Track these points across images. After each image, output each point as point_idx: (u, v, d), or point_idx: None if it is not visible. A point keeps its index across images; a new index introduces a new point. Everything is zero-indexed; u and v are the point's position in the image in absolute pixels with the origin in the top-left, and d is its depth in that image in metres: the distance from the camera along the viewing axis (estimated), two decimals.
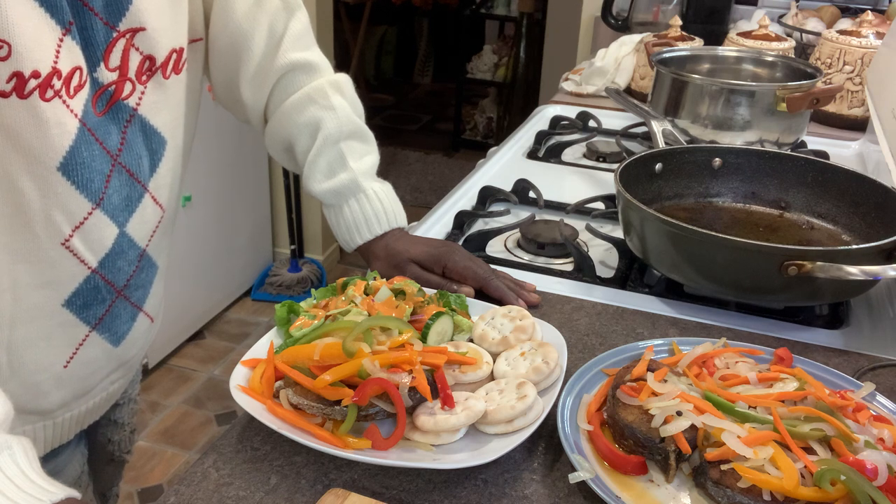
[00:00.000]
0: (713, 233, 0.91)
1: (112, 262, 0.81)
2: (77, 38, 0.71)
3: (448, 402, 0.72)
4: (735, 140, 1.39)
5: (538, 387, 0.75)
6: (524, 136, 1.61)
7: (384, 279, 0.88)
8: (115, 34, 0.74)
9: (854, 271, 0.85)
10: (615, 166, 1.07)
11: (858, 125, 1.62)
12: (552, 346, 0.79)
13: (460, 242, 1.13)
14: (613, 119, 1.71)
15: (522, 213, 1.23)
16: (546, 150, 1.54)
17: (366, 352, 0.72)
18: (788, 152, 1.18)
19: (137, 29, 0.76)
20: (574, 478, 0.67)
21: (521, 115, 3.84)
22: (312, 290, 0.89)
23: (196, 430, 2.46)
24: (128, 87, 0.77)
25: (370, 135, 1.03)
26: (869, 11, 1.66)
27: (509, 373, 0.77)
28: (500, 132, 4.66)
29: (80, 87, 0.71)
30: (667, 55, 1.54)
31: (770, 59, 1.54)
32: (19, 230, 0.73)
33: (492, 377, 0.79)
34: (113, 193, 0.78)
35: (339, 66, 1.18)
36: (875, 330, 0.96)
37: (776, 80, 1.51)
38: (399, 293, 0.86)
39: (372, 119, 3.65)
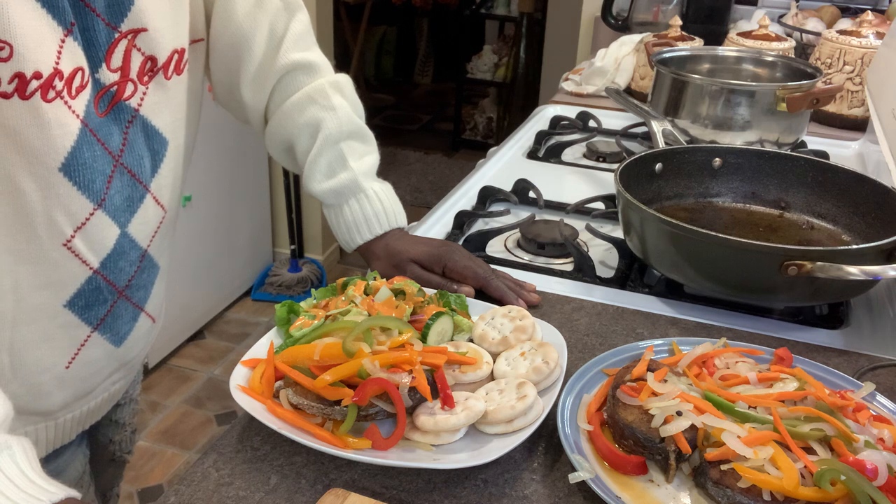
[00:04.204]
0: (713, 233, 0.91)
1: (114, 262, 0.81)
2: (79, 38, 0.71)
3: (448, 402, 0.72)
4: (735, 140, 1.39)
5: (538, 387, 0.75)
6: (524, 136, 1.61)
7: (384, 279, 0.88)
8: (116, 35, 0.74)
9: (854, 271, 0.85)
10: (615, 166, 1.07)
11: (858, 125, 1.62)
12: (552, 346, 0.80)
13: (460, 242, 1.13)
14: (613, 119, 1.71)
15: (522, 213, 1.23)
16: (546, 150, 1.54)
17: (366, 352, 0.72)
18: (788, 152, 1.18)
19: (139, 30, 0.76)
20: (574, 478, 0.67)
21: (521, 115, 3.84)
22: (312, 290, 0.89)
23: (196, 430, 2.46)
24: (129, 87, 0.77)
25: (370, 135, 1.03)
26: (869, 11, 1.66)
27: (509, 373, 0.77)
28: (500, 132, 4.66)
29: (81, 87, 0.71)
30: (667, 55, 1.54)
31: (770, 59, 1.54)
32: (21, 231, 0.73)
33: (492, 377, 0.79)
34: (114, 194, 0.78)
35: (339, 66, 1.18)
36: (875, 330, 0.97)
37: (776, 80, 1.51)
38: (399, 293, 0.86)
39: (372, 119, 3.65)
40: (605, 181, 1.39)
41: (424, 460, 0.69)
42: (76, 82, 0.71)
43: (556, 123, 1.67)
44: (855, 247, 1.01)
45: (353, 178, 0.99)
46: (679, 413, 0.69)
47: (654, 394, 0.72)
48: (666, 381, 0.74)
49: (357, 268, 3.41)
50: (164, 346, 2.73)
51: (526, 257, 1.12)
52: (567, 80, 1.93)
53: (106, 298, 0.83)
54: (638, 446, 0.69)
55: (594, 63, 1.89)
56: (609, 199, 1.25)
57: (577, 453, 0.69)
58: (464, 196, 1.30)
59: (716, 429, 0.67)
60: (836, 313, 0.99)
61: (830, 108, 1.65)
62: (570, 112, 1.74)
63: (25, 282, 0.75)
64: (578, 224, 1.17)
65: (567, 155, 1.52)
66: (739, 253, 0.90)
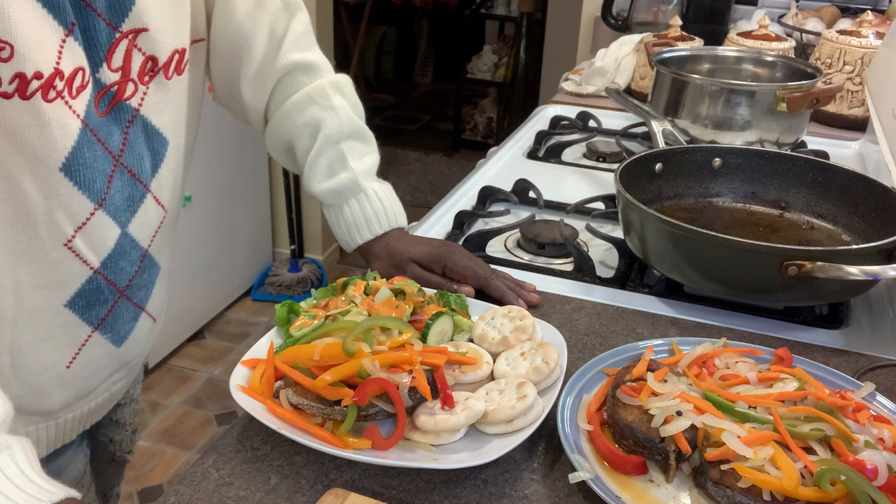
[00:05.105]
0: (713, 233, 0.91)
1: (114, 262, 0.81)
2: (80, 38, 0.71)
3: (448, 402, 0.72)
4: (735, 140, 1.39)
5: (538, 387, 0.76)
6: (524, 136, 1.61)
7: (384, 279, 0.88)
8: (117, 35, 0.74)
9: (854, 271, 0.85)
10: (615, 166, 1.08)
11: (858, 125, 1.62)
12: (552, 346, 0.80)
13: (460, 242, 1.13)
14: (613, 119, 1.71)
15: (522, 213, 1.23)
16: (546, 150, 1.54)
17: (366, 352, 0.72)
18: (788, 152, 1.18)
19: (140, 30, 0.76)
20: (574, 478, 0.67)
21: (521, 115, 3.84)
22: (312, 290, 0.89)
23: (196, 430, 2.46)
24: (130, 87, 0.77)
25: (370, 135, 1.03)
26: (869, 11, 1.66)
27: (509, 373, 0.77)
28: (500, 132, 4.66)
29: (82, 87, 0.72)
30: (667, 55, 1.54)
31: (770, 59, 1.54)
32: (22, 231, 0.73)
33: (492, 377, 0.79)
34: (115, 194, 0.78)
35: (339, 66, 1.18)
36: (875, 330, 0.97)
37: (776, 80, 1.51)
38: (399, 293, 0.86)
39: (372, 119, 3.65)
40: (605, 181, 1.39)
41: (424, 460, 0.69)
42: (77, 82, 0.71)
43: (556, 123, 1.67)
44: (855, 247, 1.01)
45: (354, 178, 0.99)
46: (679, 413, 0.69)
47: (654, 394, 0.72)
48: (666, 381, 0.74)
49: (357, 268, 3.41)
50: (164, 346, 2.73)
51: (526, 257, 1.12)
52: (567, 80, 1.93)
53: (107, 298, 0.83)
54: (638, 446, 0.69)
55: (594, 63, 1.89)
56: (609, 199, 1.25)
57: (577, 453, 0.69)
58: (464, 196, 1.31)
59: (716, 429, 0.67)
60: (836, 313, 0.99)
61: (830, 108, 1.65)
62: (570, 112, 1.74)
63: (26, 282, 0.75)
64: (578, 224, 1.17)
65: (567, 155, 1.52)
66: (739, 253, 0.90)
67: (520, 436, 0.70)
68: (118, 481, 1.15)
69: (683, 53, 1.58)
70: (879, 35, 1.60)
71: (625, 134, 1.60)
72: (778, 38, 1.67)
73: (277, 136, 1.01)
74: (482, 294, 0.94)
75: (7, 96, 0.66)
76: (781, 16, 2.08)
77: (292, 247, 3.25)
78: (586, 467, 0.68)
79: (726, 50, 1.59)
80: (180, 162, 0.88)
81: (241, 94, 0.97)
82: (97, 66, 0.73)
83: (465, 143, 4.80)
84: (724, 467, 0.65)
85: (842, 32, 1.63)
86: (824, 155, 1.45)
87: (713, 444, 0.68)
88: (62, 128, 0.70)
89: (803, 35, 1.94)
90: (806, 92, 1.34)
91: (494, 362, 0.80)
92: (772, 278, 0.89)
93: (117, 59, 0.75)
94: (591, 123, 1.68)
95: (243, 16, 0.91)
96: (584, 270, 1.06)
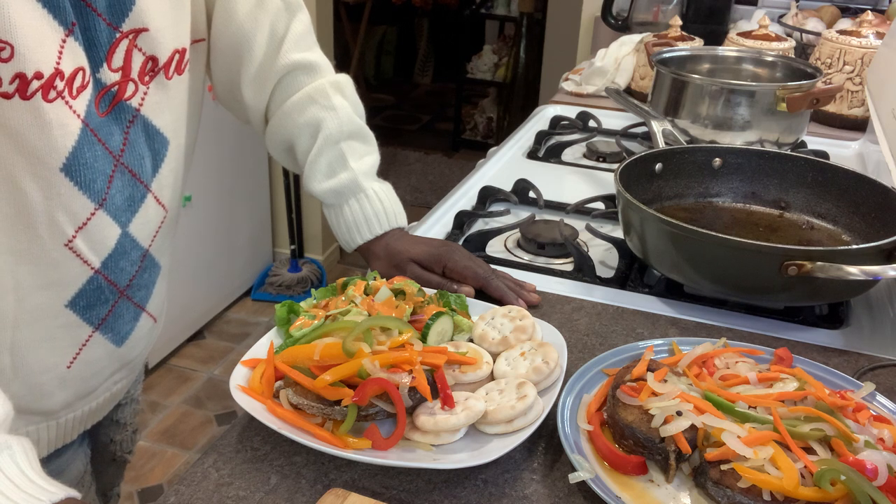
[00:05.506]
0: (713, 233, 0.91)
1: (115, 262, 0.81)
2: (80, 38, 0.71)
3: (448, 402, 0.72)
4: (735, 140, 1.39)
5: (538, 387, 0.76)
6: (524, 136, 1.61)
7: (384, 279, 0.88)
8: (118, 35, 0.74)
9: (854, 271, 0.86)
10: (615, 166, 1.08)
11: (858, 125, 1.62)
12: (552, 346, 0.80)
13: (460, 242, 1.13)
14: (613, 119, 1.71)
15: (522, 213, 1.23)
16: (546, 150, 1.54)
17: (366, 352, 0.72)
18: (788, 152, 1.18)
19: (140, 30, 0.76)
20: (574, 478, 0.67)
21: (521, 115, 3.84)
22: (312, 290, 0.89)
23: (196, 430, 2.46)
24: (130, 87, 0.77)
25: (371, 135, 1.03)
26: (869, 11, 1.66)
27: (509, 373, 0.77)
28: (500, 132, 4.66)
29: (82, 87, 0.72)
30: (667, 55, 1.54)
31: (770, 59, 1.54)
32: (22, 231, 0.73)
33: (492, 377, 0.79)
34: (115, 194, 0.78)
35: (339, 66, 1.18)
36: (875, 330, 0.97)
37: (776, 80, 1.51)
38: (399, 293, 0.86)
39: (372, 119, 3.64)
40: (605, 181, 1.39)
41: (424, 460, 0.69)
42: (77, 82, 0.71)
43: (556, 123, 1.67)
44: (855, 247, 1.01)
45: (354, 178, 0.99)
46: (679, 413, 0.69)
47: (654, 394, 0.72)
48: (666, 381, 0.74)
49: (357, 268, 3.41)
50: (164, 346, 2.73)
51: (526, 257, 1.12)
52: (567, 80, 1.93)
53: (107, 298, 0.83)
54: (638, 446, 0.69)
55: (594, 63, 1.89)
56: (609, 199, 1.25)
57: (577, 453, 0.69)
58: (464, 196, 1.31)
59: (716, 429, 0.67)
60: (836, 313, 0.99)
61: (830, 108, 1.65)
62: (570, 112, 1.74)
63: (27, 282, 0.75)
64: (578, 224, 1.17)
65: (567, 155, 1.52)
66: (739, 253, 0.90)
67: (520, 436, 0.70)
68: (118, 481, 1.15)
69: (683, 53, 1.58)
70: (879, 35, 1.60)
71: (625, 134, 1.60)
72: (778, 38, 1.67)
73: (278, 136, 1.01)
74: (482, 294, 0.94)
75: (7, 96, 0.66)
76: (781, 16, 2.08)
77: (292, 247, 3.25)
78: (586, 467, 0.68)
79: (726, 50, 1.59)
80: (181, 162, 0.88)
81: (241, 94, 0.97)
82: (97, 66, 0.73)
83: (465, 143, 4.80)
84: (724, 467, 0.65)
85: (842, 32, 1.63)
86: (824, 155, 1.45)
87: (713, 444, 0.68)
88: (62, 128, 0.70)
89: (803, 35, 1.94)
90: (806, 92, 1.34)
91: (494, 362, 0.80)
92: (772, 278, 0.89)
93: (117, 59, 0.75)
94: (591, 123, 1.68)
95: (244, 16, 0.91)
96: (584, 270, 1.06)
